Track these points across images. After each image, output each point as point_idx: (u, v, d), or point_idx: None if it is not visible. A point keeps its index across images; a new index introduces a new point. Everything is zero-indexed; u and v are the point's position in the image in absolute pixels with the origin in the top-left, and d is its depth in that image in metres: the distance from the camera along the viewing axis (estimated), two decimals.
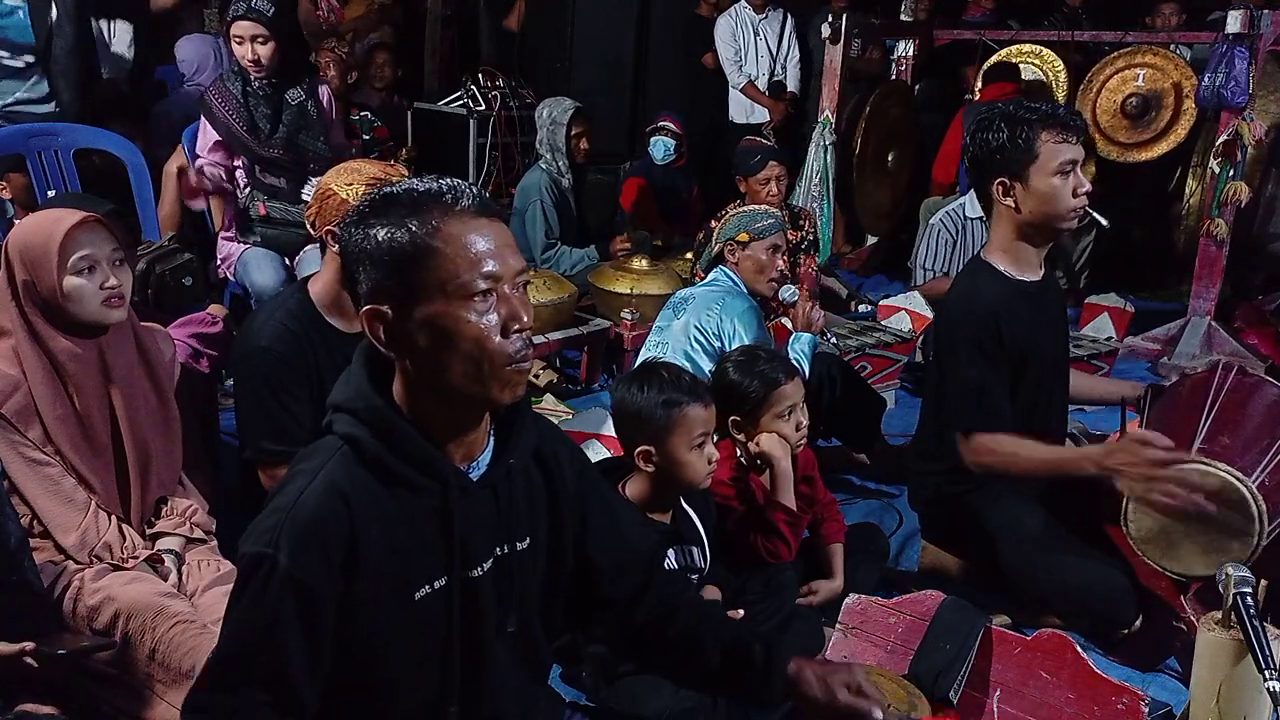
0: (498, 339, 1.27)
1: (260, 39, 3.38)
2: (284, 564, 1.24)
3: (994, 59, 6.00)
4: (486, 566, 1.39)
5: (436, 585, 1.35)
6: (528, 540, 1.44)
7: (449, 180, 1.32)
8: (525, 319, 1.30)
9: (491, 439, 1.41)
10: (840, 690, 1.47)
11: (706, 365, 3.06)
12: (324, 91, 3.67)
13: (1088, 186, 2.39)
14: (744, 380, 2.45)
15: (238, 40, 3.41)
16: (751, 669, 1.54)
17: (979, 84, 5.98)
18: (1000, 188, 2.43)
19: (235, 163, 3.58)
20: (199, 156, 3.61)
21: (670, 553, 2.18)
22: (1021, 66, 6.05)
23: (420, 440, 1.32)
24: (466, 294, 1.26)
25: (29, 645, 1.82)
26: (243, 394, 2.42)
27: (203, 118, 3.57)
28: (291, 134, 3.51)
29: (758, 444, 2.41)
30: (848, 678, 1.49)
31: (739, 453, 2.50)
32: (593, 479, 1.58)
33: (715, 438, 2.24)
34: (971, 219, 4.36)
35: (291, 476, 1.32)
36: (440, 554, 1.35)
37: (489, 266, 1.27)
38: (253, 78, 3.45)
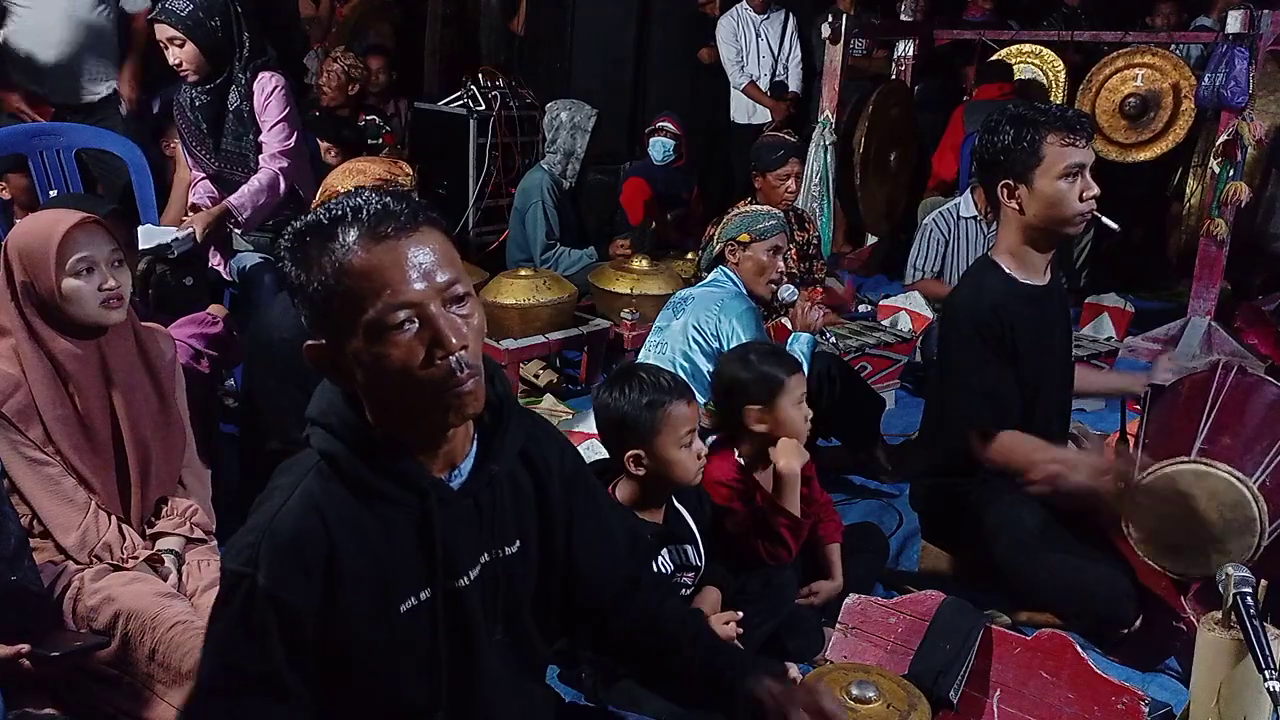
0: (421, 369, 1.21)
1: (177, 41, 3.23)
2: (263, 583, 1.22)
3: (987, 60, 6.00)
4: (474, 575, 1.36)
5: (422, 597, 1.32)
6: (517, 544, 1.42)
7: (362, 198, 1.23)
8: (453, 341, 1.20)
9: (475, 444, 1.37)
10: (796, 713, 1.40)
11: (705, 365, 3.06)
12: (266, 83, 3.36)
13: (1095, 190, 2.37)
14: (748, 374, 2.46)
15: (161, 45, 3.28)
16: (717, 688, 1.50)
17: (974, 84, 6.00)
18: (1005, 190, 2.43)
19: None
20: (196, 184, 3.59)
21: (665, 552, 2.18)
22: (1021, 66, 6.05)
23: (395, 453, 1.28)
24: (382, 328, 1.19)
25: (24, 647, 1.82)
26: (264, 385, 2.44)
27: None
28: (234, 143, 3.38)
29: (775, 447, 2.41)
30: (808, 699, 1.42)
31: (737, 454, 2.50)
32: (583, 484, 1.53)
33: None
34: (965, 219, 4.37)
35: (270, 492, 1.30)
36: (423, 566, 1.32)
37: (406, 294, 1.19)
38: (189, 84, 3.34)
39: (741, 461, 2.49)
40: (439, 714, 1.37)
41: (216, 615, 1.29)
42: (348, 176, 2.42)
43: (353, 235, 1.20)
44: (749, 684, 1.46)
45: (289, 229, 1.27)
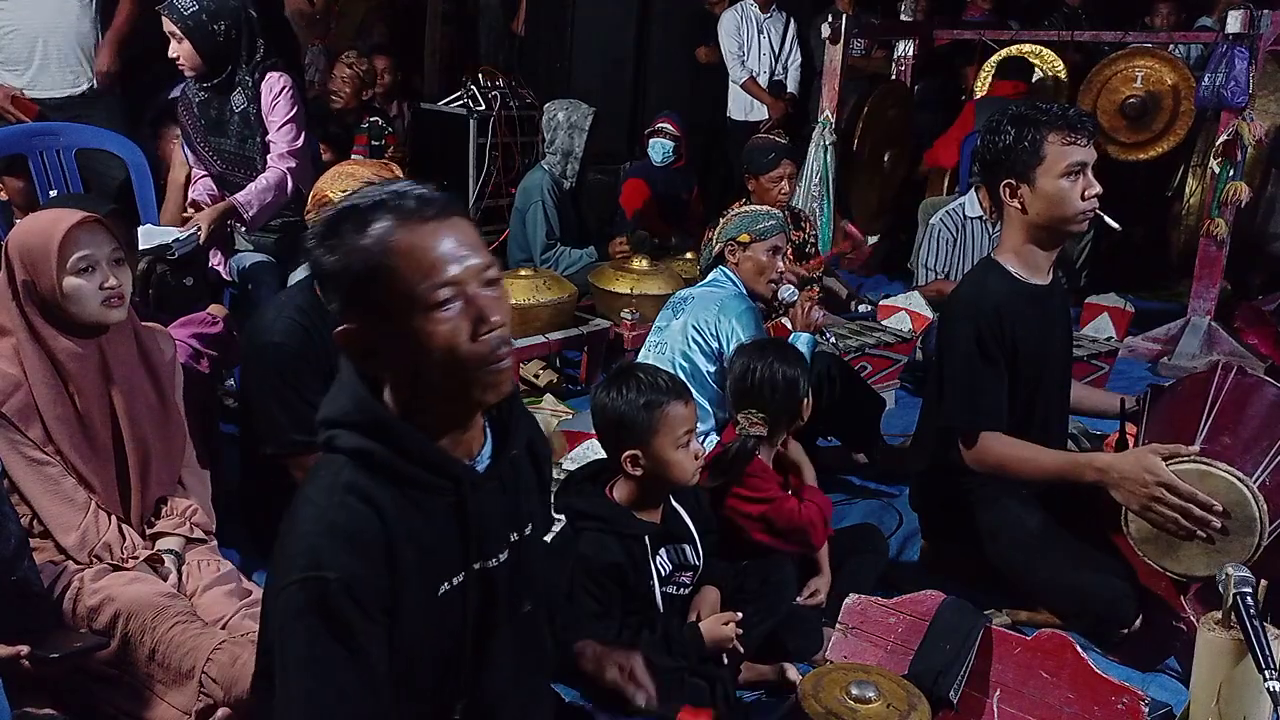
0: (467, 344, 1.25)
1: (176, 36, 3.24)
2: (336, 579, 1.22)
3: (1005, 53, 5.99)
4: (503, 557, 1.41)
5: (455, 581, 1.36)
6: (529, 526, 1.48)
7: (398, 186, 1.29)
8: (495, 318, 1.27)
9: (488, 433, 1.42)
10: (610, 669, 1.60)
11: (705, 365, 3.06)
12: (274, 83, 3.37)
13: (1098, 189, 2.38)
14: (797, 370, 2.53)
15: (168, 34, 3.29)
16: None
17: (989, 78, 5.97)
18: (1007, 189, 2.44)
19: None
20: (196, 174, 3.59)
21: (663, 551, 2.18)
22: None
23: (429, 442, 1.32)
24: (428, 305, 1.24)
25: (24, 648, 1.82)
26: (259, 390, 2.46)
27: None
28: (237, 146, 3.39)
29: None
30: (623, 660, 1.61)
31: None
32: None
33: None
34: (971, 219, 4.36)
35: (304, 501, 1.30)
36: (459, 550, 1.36)
37: (448, 272, 1.24)
38: (189, 79, 3.36)
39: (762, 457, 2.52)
40: (458, 705, 1.39)
41: (292, 633, 1.24)
42: (336, 181, 2.42)
43: (396, 218, 1.25)
44: (571, 643, 1.66)
45: (322, 217, 1.31)
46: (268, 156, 3.39)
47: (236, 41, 3.30)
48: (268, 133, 3.38)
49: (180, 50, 3.26)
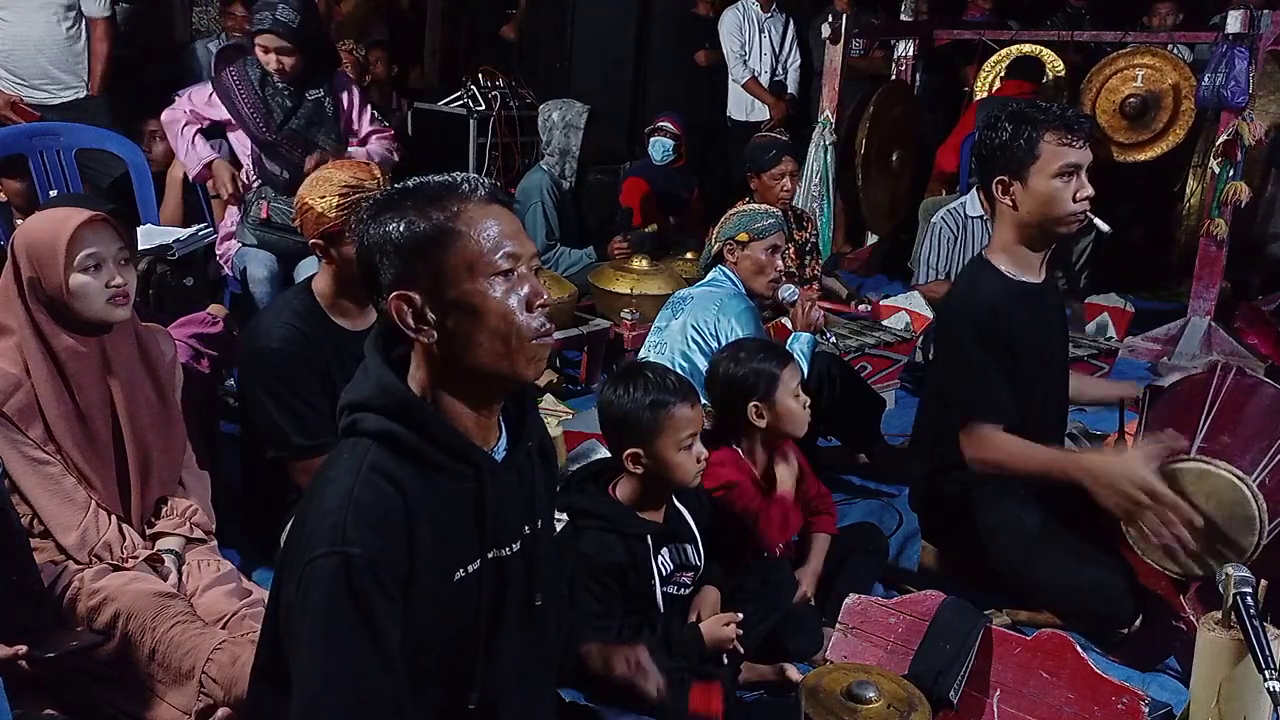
0: (522, 315, 1.33)
1: (284, 50, 3.43)
2: (360, 555, 1.23)
3: (1015, 51, 5.99)
4: (516, 547, 1.44)
5: (471, 569, 1.38)
6: (540, 522, 1.50)
7: (460, 173, 1.37)
8: (545, 297, 1.35)
9: (503, 429, 1.45)
10: (619, 664, 1.64)
11: (704, 365, 3.05)
12: (351, 88, 3.71)
13: (1089, 191, 2.38)
14: (744, 371, 2.47)
15: (263, 49, 3.46)
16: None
17: (993, 76, 5.97)
18: (1000, 186, 2.44)
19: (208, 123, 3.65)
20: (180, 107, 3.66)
21: (664, 551, 2.18)
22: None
23: (452, 427, 1.35)
24: (491, 273, 1.31)
25: (21, 648, 1.82)
26: (259, 395, 2.47)
27: (213, 91, 3.60)
28: (303, 127, 3.54)
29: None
30: (629, 654, 1.66)
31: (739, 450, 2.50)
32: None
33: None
34: (972, 217, 4.36)
35: (327, 482, 1.31)
36: (475, 537, 1.38)
37: (509, 247, 1.33)
38: (277, 80, 3.52)
39: (740, 453, 2.50)
40: (473, 696, 1.40)
41: (314, 606, 1.25)
42: (314, 187, 2.44)
43: (467, 195, 1.34)
44: (577, 646, 1.69)
45: (390, 190, 1.37)
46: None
47: (322, 35, 3.50)
48: (342, 127, 3.63)
49: (287, 62, 3.45)
